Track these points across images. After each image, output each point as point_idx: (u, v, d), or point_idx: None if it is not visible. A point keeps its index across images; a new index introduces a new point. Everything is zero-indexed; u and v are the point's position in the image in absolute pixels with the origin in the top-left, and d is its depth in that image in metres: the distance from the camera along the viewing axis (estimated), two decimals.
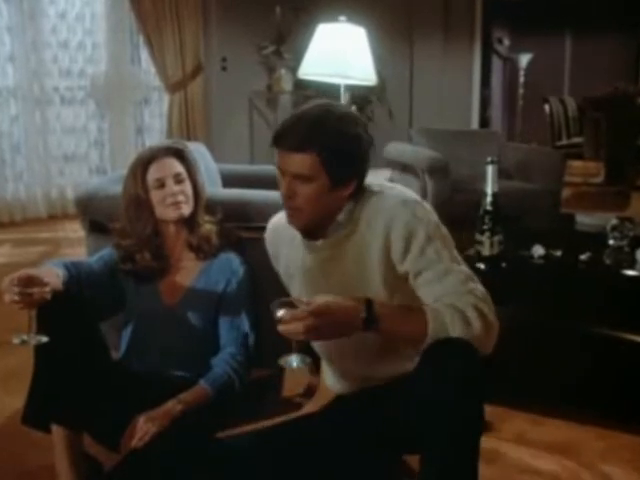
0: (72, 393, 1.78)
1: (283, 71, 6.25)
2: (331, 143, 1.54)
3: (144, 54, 6.23)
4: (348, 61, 3.71)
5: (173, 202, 1.96)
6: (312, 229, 1.66)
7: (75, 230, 5.24)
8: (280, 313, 1.40)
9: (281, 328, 1.39)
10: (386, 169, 4.53)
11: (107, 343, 1.93)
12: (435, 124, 5.89)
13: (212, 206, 2.09)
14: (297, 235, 1.70)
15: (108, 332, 2.00)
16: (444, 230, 1.59)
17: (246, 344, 1.96)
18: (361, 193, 1.63)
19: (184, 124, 6.17)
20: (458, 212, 4.20)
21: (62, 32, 5.94)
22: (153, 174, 1.98)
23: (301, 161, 1.55)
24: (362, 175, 1.62)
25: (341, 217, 1.62)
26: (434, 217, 1.58)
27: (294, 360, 1.44)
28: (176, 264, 2.05)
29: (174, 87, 6.17)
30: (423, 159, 4.47)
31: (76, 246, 4.65)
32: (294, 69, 5.45)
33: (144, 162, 1.99)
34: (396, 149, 4.93)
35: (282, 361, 1.45)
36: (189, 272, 2.03)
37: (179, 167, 2.00)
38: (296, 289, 1.74)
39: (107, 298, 2.01)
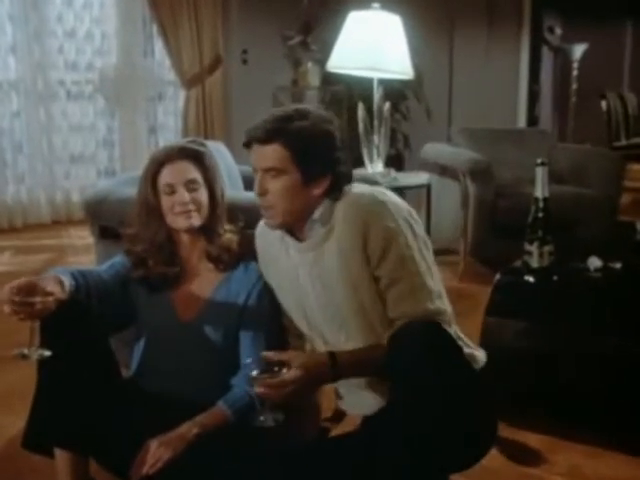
0: (78, 414, 1.80)
1: (310, 64, 6.26)
2: (298, 135, 1.73)
3: (158, 45, 6.29)
4: (382, 52, 3.73)
5: (182, 211, 1.98)
6: (289, 226, 1.85)
7: (81, 237, 5.30)
8: (255, 373, 1.67)
9: (257, 391, 1.66)
10: (422, 172, 4.51)
11: (117, 360, 1.94)
12: (477, 123, 5.85)
13: (233, 212, 2.11)
14: (282, 239, 1.89)
15: (118, 348, 2.01)
16: (419, 231, 1.78)
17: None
18: (339, 193, 1.80)
19: (201, 122, 6.21)
20: (503, 220, 4.24)
21: (68, 20, 6.02)
22: (165, 178, 1.99)
23: (269, 153, 1.75)
24: (337, 174, 1.78)
25: (317, 215, 1.80)
26: (410, 217, 1.77)
27: (269, 418, 1.70)
28: (192, 274, 2.06)
29: (191, 82, 6.21)
30: (464, 161, 4.45)
31: (82, 254, 4.70)
32: (322, 62, 5.47)
33: (156, 163, 2.01)
34: (434, 150, 4.92)
35: (257, 422, 1.71)
36: (207, 283, 2.04)
37: (194, 172, 2.00)
38: (286, 298, 1.95)
39: (117, 310, 2.02)
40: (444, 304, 1.77)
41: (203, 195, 2.01)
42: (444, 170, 4.68)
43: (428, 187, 4.11)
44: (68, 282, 1.82)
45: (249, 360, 1.82)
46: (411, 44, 3.90)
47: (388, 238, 1.72)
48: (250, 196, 2.55)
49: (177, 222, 2.00)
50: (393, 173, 3.98)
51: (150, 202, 2.00)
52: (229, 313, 1.99)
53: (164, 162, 2.00)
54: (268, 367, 1.69)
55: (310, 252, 1.85)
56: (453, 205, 4.49)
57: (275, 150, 1.75)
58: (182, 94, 6.31)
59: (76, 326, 1.80)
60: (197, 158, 2.02)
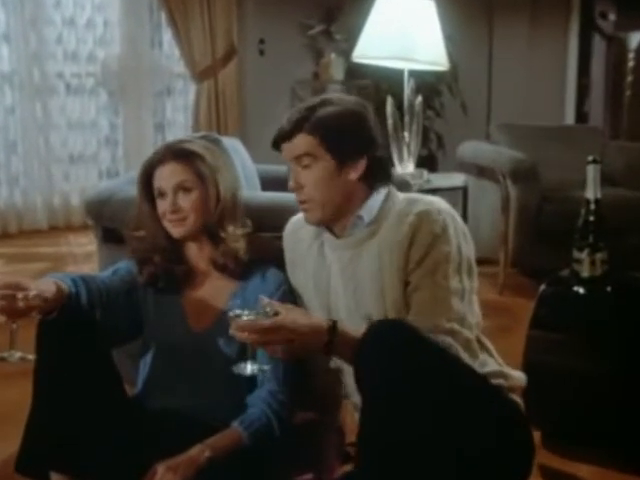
0: (76, 435, 1.80)
1: (333, 56, 6.28)
2: (323, 120, 1.83)
3: (166, 35, 6.31)
4: (413, 41, 3.73)
5: (171, 219, 2.02)
6: (330, 222, 1.91)
7: (81, 244, 5.34)
8: (235, 312, 1.65)
9: (233, 331, 1.65)
10: (459, 173, 4.50)
11: (121, 375, 1.95)
12: (519, 119, 5.84)
13: (240, 215, 2.12)
14: (317, 236, 1.95)
15: (122, 362, 2.02)
16: (467, 252, 1.83)
17: (289, 380, 1.96)
18: (387, 191, 1.89)
19: (214, 119, 6.23)
20: (548, 226, 4.23)
21: (68, 7, 6.04)
22: (156, 181, 2.04)
23: (298, 143, 1.84)
24: (373, 155, 1.86)
25: (364, 212, 1.87)
26: (462, 235, 1.83)
27: (248, 367, 1.70)
28: (203, 279, 2.08)
29: (202, 75, 6.24)
30: (505, 161, 4.44)
31: (82, 263, 4.74)
32: (346, 53, 5.48)
33: (148, 166, 2.06)
34: (471, 149, 4.91)
35: (235, 368, 1.71)
36: (221, 292, 2.06)
37: (185, 174, 2.02)
38: (311, 301, 1.99)
39: (122, 319, 2.03)
40: (464, 329, 1.77)
41: (198, 198, 2.03)
42: (482, 171, 4.67)
43: (464, 190, 4.11)
44: (66, 286, 1.83)
45: (259, 365, 1.80)
46: (445, 32, 3.90)
47: (432, 244, 1.79)
48: (267, 196, 2.58)
49: (170, 230, 2.04)
50: (426, 174, 3.98)
51: (144, 208, 2.06)
52: None
53: (156, 165, 2.04)
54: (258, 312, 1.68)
55: (348, 250, 1.90)
56: (492, 210, 4.48)
57: (301, 139, 1.85)
58: (192, 88, 6.34)
59: (76, 336, 1.81)
60: (189, 158, 2.04)
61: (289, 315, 1.66)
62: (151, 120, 6.40)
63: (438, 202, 1.87)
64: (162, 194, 2.03)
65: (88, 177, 6.28)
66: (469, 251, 1.85)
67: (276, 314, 1.66)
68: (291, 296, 2.04)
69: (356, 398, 1.95)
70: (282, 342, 1.65)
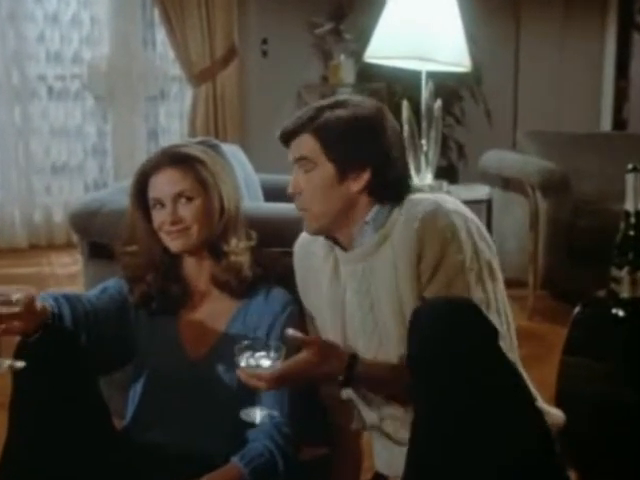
0: (59, 472, 1.79)
1: (343, 57, 6.29)
2: (329, 123, 1.84)
3: (160, 34, 6.36)
4: (432, 38, 3.72)
5: (170, 231, 2.01)
6: (329, 233, 1.92)
7: (65, 264, 5.34)
8: (243, 363, 1.73)
9: (241, 377, 1.74)
10: (482, 185, 4.49)
11: (108, 406, 1.93)
12: (550, 126, 5.84)
13: (246, 228, 2.12)
14: (332, 250, 1.95)
15: (110, 392, 2.02)
16: (485, 253, 1.82)
17: (294, 411, 1.96)
18: (395, 198, 1.87)
19: (212, 126, 6.25)
20: (582, 243, 4.21)
21: (50, 1, 6.08)
22: (152, 191, 2.04)
23: (300, 143, 1.87)
24: (377, 167, 1.85)
25: (369, 218, 1.87)
26: (478, 235, 1.82)
27: (257, 414, 1.79)
28: (202, 300, 2.08)
29: (199, 77, 6.26)
30: (534, 172, 4.44)
31: (66, 284, 4.73)
32: (357, 54, 5.50)
33: (142, 174, 2.06)
34: (496, 159, 4.90)
35: (243, 415, 1.78)
36: (221, 313, 2.06)
37: (185, 182, 2.02)
38: (324, 323, 2.00)
39: (111, 344, 2.02)
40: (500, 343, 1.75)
41: (201, 207, 2.03)
42: (508, 183, 4.66)
43: (488, 203, 4.10)
44: (50, 305, 1.83)
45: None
46: (468, 30, 3.90)
47: (442, 254, 1.78)
48: (270, 208, 2.58)
49: (168, 243, 2.03)
50: (445, 186, 3.97)
51: (138, 220, 2.05)
52: None
53: (150, 172, 2.04)
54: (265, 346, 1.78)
55: (359, 263, 1.90)
56: (519, 225, 4.46)
57: (304, 140, 1.87)
58: (189, 92, 6.37)
59: (58, 362, 1.80)
60: (188, 163, 2.04)
61: (303, 358, 1.76)
62: (143, 127, 6.43)
63: (444, 200, 1.85)
64: (159, 204, 2.02)
65: (73, 190, 6.28)
66: (489, 253, 1.84)
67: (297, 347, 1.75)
68: (299, 318, 2.03)
69: (373, 428, 1.94)
70: (295, 386, 1.79)
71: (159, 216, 2.02)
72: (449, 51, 3.80)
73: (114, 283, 2.10)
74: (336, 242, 1.94)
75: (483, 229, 1.86)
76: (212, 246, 2.05)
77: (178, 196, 2.01)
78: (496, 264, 1.85)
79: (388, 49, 3.85)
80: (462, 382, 1.59)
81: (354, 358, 1.79)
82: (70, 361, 1.84)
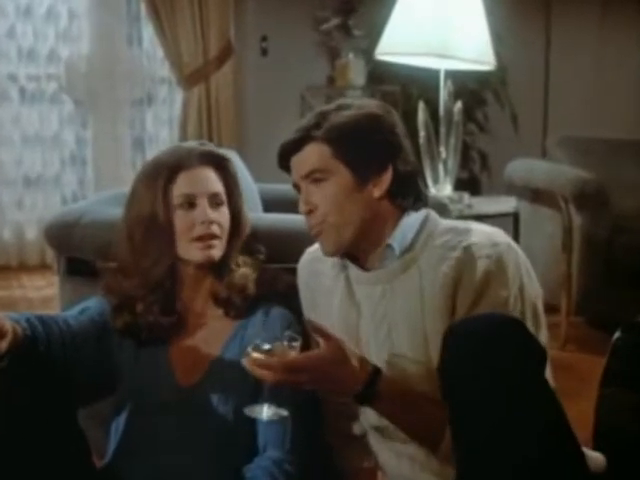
0: None
1: (351, 56, 6.32)
2: (338, 125, 1.84)
3: (147, 31, 6.39)
4: (452, 32, 3.74)
5: (202, 234, 2.00)
6: (350, 250, 1.89)
7: (38, 287, 5.36)
8: (255, 343, 1.72)
9: (246, 365, 1.70)
10: (508, 197, 4.48)
11: (87, 441, 1.92)
12: (584, 132, 5.83)
13: (251, 241, 2.14)
14: (342, 269, 1.94)
15: (89, 426, 2.00)
16: (532, 296, 1.82)
17: (296, 445, 1.95)
18: (425, 214, 1.89)
19: (205, 132, 6.27)
20: (621, 262, 4.21)
21: None
22: (181, 187, 2.03)
23: (308, 155, 1.86)
24: (399, 167, 1.86)
25: (395, 241, 1.85)
26: (527, 273, 1.82)
27: (264, 410, 1.77)
28: (196, 322, 2.09)
29: (191, 79, 6.28)
30: (566, 182, 4.44)
31: (39, 308, 4.75)
32: (368, 53, 5.50)
33: (170, 169, 2.04)
34: (524, 169, 4.91)
35: (248, 410, 1.78)
36: (216, 335, 2.07)
37: (218, 185, 2.05)
38: None
39: (91, 371, 2.02)
40: None
41: (225, 216, 2.06)
42: (538, 195, 4.67)
43: (515, 217, 4.09)
44: (20, 328, 1.80)
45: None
46: (492, 27, 3.91)
47: (485, 286, 1.77)
48: (270, 219, 2.58)
49: (192, 251, 2.03)
50: (467, 198, 3.97)
51: (158, 219, 2.02)
52: (243, 377, 1.91)
53: (179, 168, 2.03)
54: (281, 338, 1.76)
55: (378, 285, 1.89)
56: (550, 243, 4.47)
57: (312, 149, 1.86)
58: (179, 95, 6.41)
59: (31, 392, 1.80)
60: (222, 166, 2.08)
61: (320, 352, 1.73)
62: (128, 135, 6.47)
63: (493, 232, 1.86)
64: (189, 202, 2.02)
65: (48, 204, 6.27)
66: (535, 295, 1.84)
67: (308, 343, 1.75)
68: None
69: (388, 468, 1.92)
70: (309, 385, 1.74)
71: (187, 216, 2.02)
72: (470, 46, 3.81)
73: (95, 303, 2.10)
74: (353, 260, 1.93)
75: (530, 268, 1.86)
76: (218, 261, 2.05)
77: (213, 197, 2.03)
78: (541, 308, 1.85)
79: (402, 44, 3.86)
80: (500, 402, 1.58)
81: (377, 372, 1.76)
82: (44, 390, 1.83)
